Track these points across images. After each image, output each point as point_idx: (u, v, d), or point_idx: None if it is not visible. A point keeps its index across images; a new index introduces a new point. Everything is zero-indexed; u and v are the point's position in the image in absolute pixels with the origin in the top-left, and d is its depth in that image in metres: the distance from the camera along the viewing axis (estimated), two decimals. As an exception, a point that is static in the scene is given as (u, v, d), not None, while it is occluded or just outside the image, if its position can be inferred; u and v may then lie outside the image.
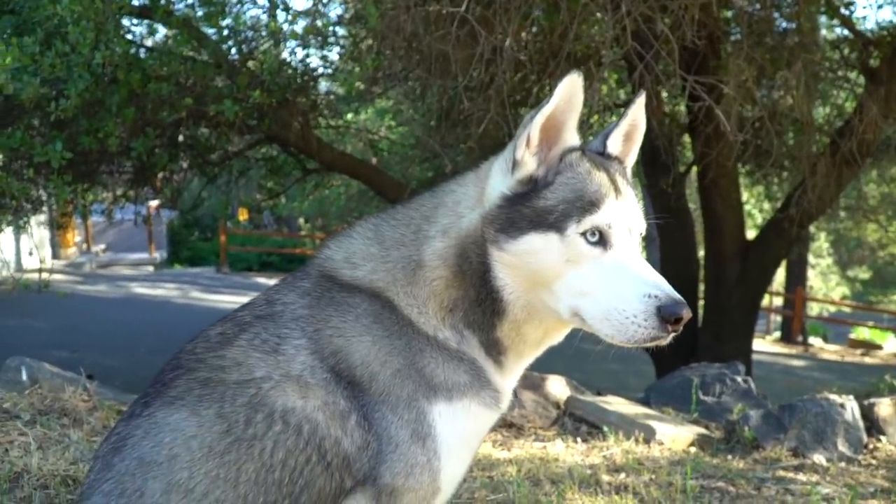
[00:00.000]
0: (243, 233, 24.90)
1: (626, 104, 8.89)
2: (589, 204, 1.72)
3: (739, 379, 5.30)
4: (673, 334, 1.68)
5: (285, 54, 8.31)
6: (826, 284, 31.21)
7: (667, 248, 9.68)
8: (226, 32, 7.63)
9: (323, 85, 9.75)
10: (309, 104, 8.51)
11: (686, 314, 1.65)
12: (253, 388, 1.62)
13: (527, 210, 1.72)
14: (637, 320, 1.65)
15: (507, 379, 1.86)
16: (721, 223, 8.93)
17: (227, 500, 1.57)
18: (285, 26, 7.77)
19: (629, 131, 1.92)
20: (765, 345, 18.20)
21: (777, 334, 21.16)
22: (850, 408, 4.70)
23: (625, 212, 1.76)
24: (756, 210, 17.49)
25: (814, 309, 23.15)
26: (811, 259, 25.26)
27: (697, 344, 8.91)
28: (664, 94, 8.51)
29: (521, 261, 1.72)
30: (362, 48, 7.98)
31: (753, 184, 11.76)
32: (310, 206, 20.65)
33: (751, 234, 9.79)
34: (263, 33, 8.22)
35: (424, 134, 9.09)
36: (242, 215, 23.54)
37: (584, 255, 1.70)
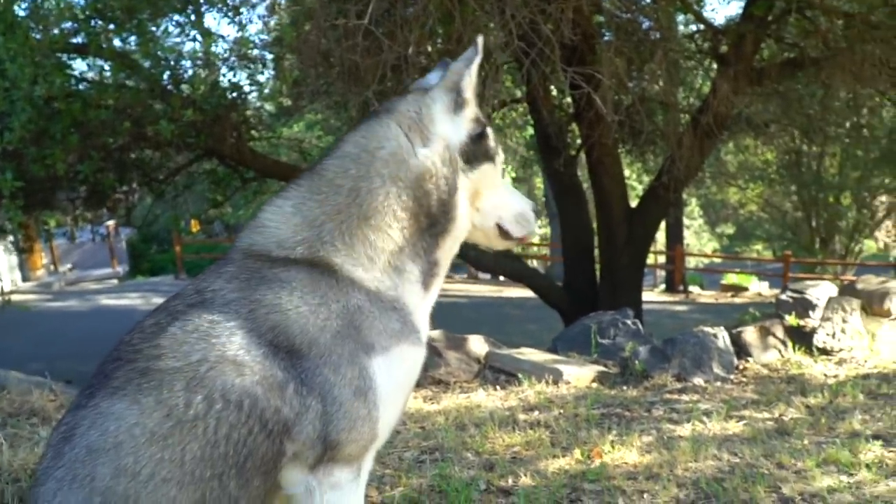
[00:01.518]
0: (196, 242, 24.29)
1: (519, 100, 8.88)
2: (497, 142, 1.85)
3: (630, 322, 5.38)
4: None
5: (216, 76, 8.09)
6: (699, 241, 32.19)
7: (566, 220, 9.78)
8: (158, 61, 7.37)
9: (253, 102, 9.53)
10: (240, 120, 8.32)
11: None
12: (190, 373, 1.51)
13: (483, 145, 1.78)
14: (531, 217, 1.88)
15: (429, 300, 1.79)
16: (608, 195, 9.06)
17: (174, 478, 1.47)
18: (213, 49, 7.57)
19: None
20: (653, 296, 18.66)
21: (663, 286, 21.71)
22: (722, 337, 4.82)
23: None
24: (637, 182, 17.86)
25: (691, 262, 23.79)
26: (685, 220, 25.99)
27: (597, 299, 9.05)
28: (551, 88, 8.57)
29: (476, 185, 1.78)
30: (284, 66, 7.82)
31: (632, 160, 11.98)
32: (253, 212, 20.25)
33: (634, 202, 9.95)
34: (195, 60, 7.98)
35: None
36: (195, 227, 22.88)
37: (500, 178, 1.86)
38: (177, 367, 1.52)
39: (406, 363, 1.67)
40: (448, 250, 1.78)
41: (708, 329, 4.88)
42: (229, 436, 1.50)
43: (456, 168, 1.72)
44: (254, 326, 1.55)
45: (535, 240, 26.98)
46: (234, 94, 8.04)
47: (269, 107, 9.63)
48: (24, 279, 20.63)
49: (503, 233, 1.84)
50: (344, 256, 1.64)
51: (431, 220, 1.70)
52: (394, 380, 1.64)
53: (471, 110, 1.74)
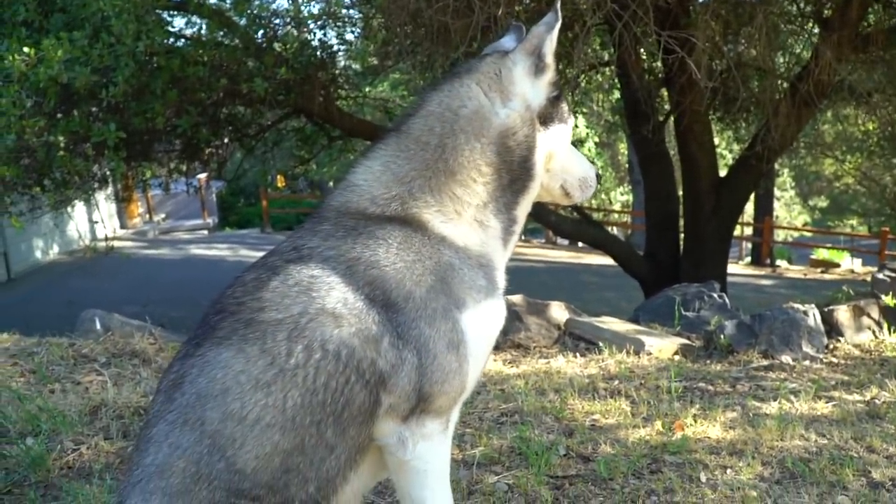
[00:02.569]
0: (282, 197, 24.90)
1: (608, 63, 8.67)
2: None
3: (715, 295, 5.25)
4: None
5: (306, 35, 8.19)
6: (790, 213, 30.85)
7: (650, 188, 9.55)
8: (252, 19, 7.51)
9: (341, 61, 9.61)
10: (329, 79, 8.39)
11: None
12: (291, 324, 1.57)
13: (560, 107, 1.80)
14: (594, 182, 1.90)
15: (507, 256, 1.84)
16: (696, 163, 8.78)
17: (277, 423, 1.54)
18: (304, 10, 7.64)
19: None
20: (738, 269, 18.13)
21: (748, 259, 21.02)
22: (813, 314, 4.65)
23: None
24: (727, 151, 17.22)
25: (780, 235, 22.95)
26: (776, 192, 24.93)
27: (679, 270, 8.85)
28: (642, 52, 8.31)
29: (553, 145, 1.80)
30: (373, 26, 7.83)
31: (723, 128, 11.52)
32: (338, 170, 20.53)
33: (723, 172, 9.61)
34: (286, 19, 8.08)
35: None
36: (280, 182, 23.44)
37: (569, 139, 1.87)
38: (279, 318, 1.58)
39: (492, 318, 1.71)
40: (525, 207, 1.80)
41: (798, 306, 4.71)
42: (327, 384, 1.56)
43: (535, 127, 1.74)
44: (352, 281, 1.60)
45: (617, 206, 26.52)
46: (324, 53, 8.12)
47: (355, 66, 9.67)
48: (122, 227, 21.67)
49: (566, 194, 1.87)
50: (434, 212, 1.68)
51: (512, 176, 1.74)
52: (482, 334, 1.68)
53: (550, 74, 1.74)
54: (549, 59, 1.73)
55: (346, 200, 1.73)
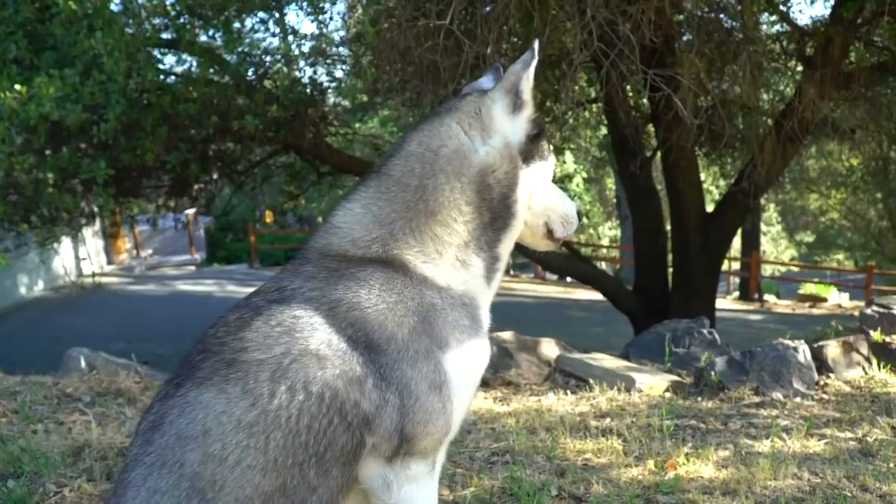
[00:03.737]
0: (271, 233, 24.88)
1: (595, 100, 8.77)
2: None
3: (705, 331, 5.25)
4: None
5: (296, 73, 8.27)
6: (776, 248, 31.11)
7: (639, 224, 9.62)
8: (243, 57, 7.59)
9: (331, 98, 9.70)
10: (319, 115, 8.47)
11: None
12: (274, 364, 1.56)
13: (540, 145, 1.81)
14: (574, 220, 1.89)
15: (491, 294, 1.85)
16: (684, 199, 8.86)
17: (258, 465, 1.52)
18: (294, 48, 7.73)
19: None
20: (726, 303, 18.19)
21: (737, 294, 21.11)
22: (803, 350, 4.65)
23: None
24: (713, 186, 17.39)
25: (767, 270, 23.10)
26: (763, 227, 25.17)
27: (669, 305, 8.87)
28: (629, 89, 8.43)
29: (533, 183, 1.80)
30: (363, 63, 7.92)
31: (710, 164, 11.68)
32: (327, 206, 20.56)
33: (710, 207, 9.70)
34: (277, 57, 8.17)
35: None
36: (269, 217, 23.46)
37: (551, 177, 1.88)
38: (262, 358, 1.57)
39: (476, 357, 1.72)
40: (508, 245, 1.81)
41: (787, 342, 4.71)
42: (310, 426, 1.55)
43: (517, 165, 1.76)
44: (334, 322, 1.60)
45: (605, 241, 26.64)
46: (314, 91, 8.20)
47: (345, 103, 9.77)
48: (109, 263, 21.54)
49: (549, 232, 1.86)
50: (416, 252, 1.70)
51: (493, 214, 1.75)
52: (466, 374, 1.68)
53: (528, 111, 1.76)
54: (527, 95, 1.75)
55: (328, 242, 1.75)
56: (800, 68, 8.33)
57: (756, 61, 7.23)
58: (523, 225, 1.83)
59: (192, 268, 23.27)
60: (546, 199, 1.84)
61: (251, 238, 22.79)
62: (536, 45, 1.77)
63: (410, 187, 1.73)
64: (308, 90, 8.00)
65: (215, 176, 9.89)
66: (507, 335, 4.88)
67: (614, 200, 25.11)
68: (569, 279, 18.80)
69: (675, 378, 4.69)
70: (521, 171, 1.76)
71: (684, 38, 7.83)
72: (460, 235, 1.73)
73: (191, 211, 17.34)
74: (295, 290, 1.66)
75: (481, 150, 1.74)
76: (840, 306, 18.21)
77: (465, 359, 1.68)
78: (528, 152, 1.77)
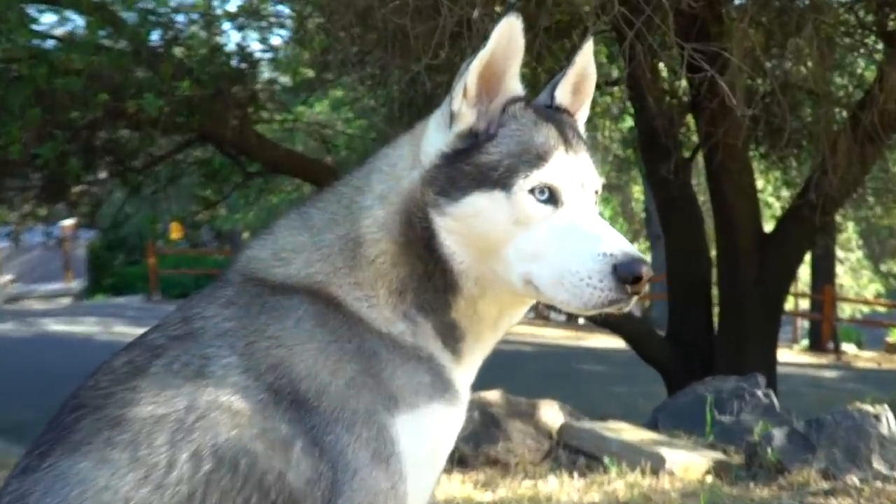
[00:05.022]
0: (177, 253, 24.71)
1: (617, 82, 8.90)
2: (536, 157, 1.78)
3: (760, 393, 5.33)
4: (634, 297, 1.73)
5: (217, 38, 8.32)
6: (857, 282, 31.48)
7: (673, 246, 9.72)
8: (145, 16, 7.60)
9: (264, 73, 9.74)
10: (247, 95, 8.49)
11: (646, 272, 1.70)
12: (174, 423, 1.59)
13: (468, 167, 1.77)
14: (592, 282, 1.70)
15: (465, 371, 1.87)
16: (734, 214, 8.97)
17: None
18: (216, 4, 7.79)
19: (577, 82, 1.98)
20: (791, 355, 18.35)
21: (805, 342, 21.33)
22: (886, 419, 4.73)
23: (576, 166, 1.83)
24: (773, 198, 17.61)
25: (845, 310, 23.34)
26: (839, 253, 25.46)
27: (713, 357, 8.95)
28: (661, 68, 8.57)
29: (466, 225, 1.76)
30: (308, 28, 7.99)
31: (768, 168, 11.84)
32: (255, 218, 20.50)
33: (769, 225, 9.85)
34: (192, 16, 8.22)
35: (387, 126, 9.08)
36: (175, 232, 23.31)
37: (533, 214, 1.76)
38: (158, 415, 1.59)
39: (439, 425, 1.76)
40: (467, 314, 1.83)
41: (867, 408, 4.80)
42: None
43: (426, 200, 1.79)
44: (252, 364, 1.65)
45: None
46: (241, 62, 8.24)
47: (284, 79, 9.82)
48: (-47, 291, 21.31)
49: (537, 291, 1.78)
50: (349, 286, 1.79)
51: (425, 265, 1.80)
52: (423, 445, 1.71)
53: (464, 123, 1.80)
54: (457, 103, 1.79)
55: (254, 257, 1.86)
56: (880, 46, 8.52)
57: (826, 35, 7.41)
58: (484, 287, 1.80)
59: (68, 300, 23.06)
60: (527, 245, 1.76)
61: (150, 260, 22.63)
62: (499, 29, 1.77)
63: (343, 204, 1.87)
64: (233, 61, 8.04)
65: (103, 174, 9.85)
66: (492, 395, 4.91)
67: (642, 215, 25.35)
68: (580, 320, 18.88)
69: (719, 456, 4.74)
70: (434, 209, 1.78)
71: (735, 1, 8.01)
72: (390, 279, 1.80)
73: (68, 222, 17.22)
74: (207, 321, 1.71)
75: (407, 176, 1.83)
76: (941, 360, 18.47)
77: (423, 425, 1.72)
78: (449, 179, 1.78)
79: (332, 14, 6.70)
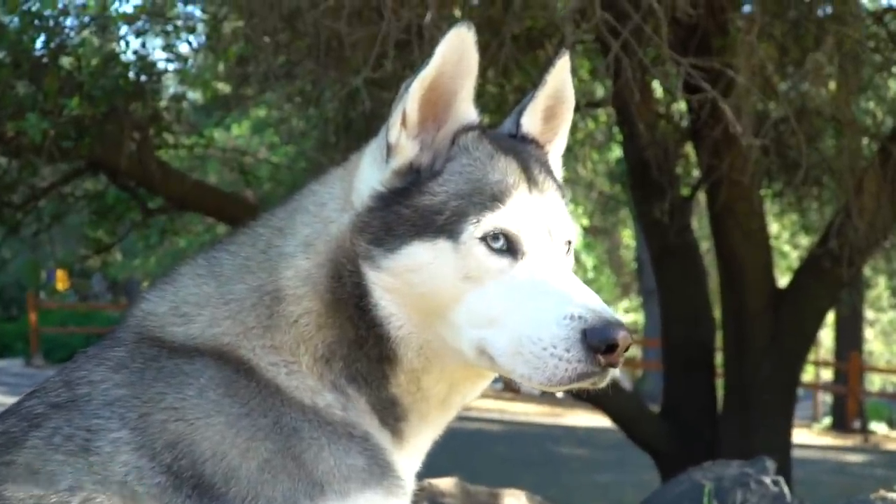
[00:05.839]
0: (63, 307, 24.47)
1: (601, 103, 8.96)
2: (490, 198, 1.77)
3: (768, 480, 5.31)
4: (610, 369, 1.70)
5: (113, 46, 8.28)
6: (890, 348, 31.88)
7: (670, 303, 9.75)
8: (29, 20, 7.56)
9: (170, 87, 9.71)
10: (148, 115, 8.44)
11: (622, 338, 1.66)
12: None
13: (406, 211, 1.76)
14: (556, 351, 1.66)
15: (410, 456, 1.86)
16: (741, 265, 9.03)
17: None
18: (112, 5, 7.76)
19: (551, 106, 1.98)
20: (810, 436, 18.50)
21: (827, 420, 21.48)
22: (921, 511, 4.74)
23: (542, 209, 1.82)
24: (789, 246, 17.84)
25: (875, 383, 23.60)
26: (868, 313, 25.78)
27: (716, 439, 8.95)
28: (653, 87, 8.65)
29: (405, 282, 1.75)
30: (224, 33, 7.98)
31: (783, 210, 11.98)
32: (157, 265, 20.38)
33: (784, 279, 9.93)
34: (83, 19, 8.19)
35: (319, 153, 9.06)
36: (61, 282, 23.16)
37: (486, 267, 1.74)
38: (37, 495, 1.59)
39: None
40: (409, 390, 1.82)
41: (893, 495, 4.80)
42: None
43: (356, 251, 1.79)
44: (146, 441, 1.64)
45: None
46: (142, 74, 8.21)
47: (194, 95, 9.80)
48: None
49: (496, 366, 1.77)
50: (264, 349, 1.78)
51: (356, 329, 1.79)
52: None
53: (402, 158, 1.81)
54: (394, 133, 1.80)
55: (151, 317, 1.83)
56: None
57: (850, 51, 7.53)
58: (429, 358, 1.79)
59: (-74, 364, 22.72)
60: (478, 305, 1.74)
61: (31, 315, 22.40)
62: (443, 47, 1.77)
63: (258, 248, 1.88)
64: (132, 73, 8.00)
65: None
66: (445, 484, 4.85)
67: (633, 265, 25.54)
68: (558, 394, 18.89)
69: (722, 557, 4.70)
70: (367, 263, 1.77)
71: (742, 8, 8.12)
72: (313, 344, 1.80)
73: (-72, 268, 16.98)
74: (94, 386, 1.71)
75: (337, 219, 1.84)
76: None
77: None
78: (384, 226, 1.77)
79: (253, 16, 6.69)
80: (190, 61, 8.75)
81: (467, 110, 1.84)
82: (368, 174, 1.82)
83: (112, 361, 1.76)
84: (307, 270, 1.80)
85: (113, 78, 7.50)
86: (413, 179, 1.78)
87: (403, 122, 1.78)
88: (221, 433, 1.67)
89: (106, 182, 9.79)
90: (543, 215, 1.81)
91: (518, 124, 1.96)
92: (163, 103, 9.10)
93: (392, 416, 1.81)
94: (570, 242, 1.87)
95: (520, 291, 1.72)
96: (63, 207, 10.29)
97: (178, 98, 9.65)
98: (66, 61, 7.92)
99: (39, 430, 1.67)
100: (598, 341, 1.64)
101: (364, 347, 1.78)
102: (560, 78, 1.95)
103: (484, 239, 1.73)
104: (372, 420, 1.80)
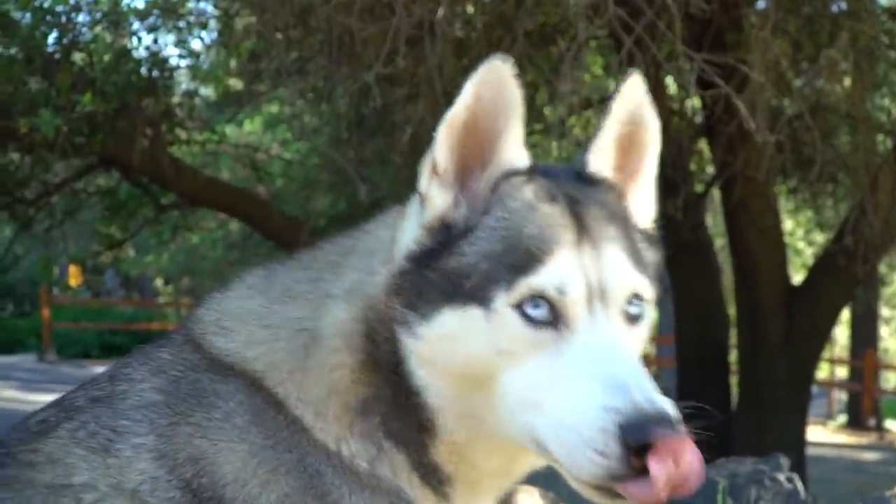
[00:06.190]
0: (76, 303, 24.51)
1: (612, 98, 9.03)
2: (526, 257, 1.54)
3: (782, 477, 5.29)
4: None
5: (125, 42, 8.30)
6: (906, 346, 31.77)
7: (683, 300, 9.75)
8: (41, 17, 7.59)
9: (182, 83, 9.72)
10: (161, 111, 8.46)
11: (658, 439, 1.40)
12: (69, 499, 1.58)
13: (433, 275, 1.58)
14: (592, 444, 1.43)
15: None
16: (755, 262, 9.02)
17: None
18: (124, 2, 7.78)
19: (626, 133, 1.73)
20: (825, 434, 18.43)
21: (842, 418, 21.41)
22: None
23: (594, 268, 1.56)
24: (804, 243, 17.79)
25: (890, 380, 23.49)
26: (883, 311, 25.67)
27: (731, 436, 8.93)
28: (666, 84, 8.64)
29: (440, 351, 1.57)
30: (237, 29, 7.98)
31: (798, 207, 11.96)
32: (170, 261, 20.40)
33: (798, 276, 9.90)
34: (95, 15, 8.21)
35: (332, 148, 9.07)
36: (74, 278, 23.16)
37: (522, 341, 1.52)
38: (56, 485, 1.58)
39: None
40: (451, 460, 1.65)
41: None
42: None
43: (391, 315, 1.62)
44: (169, 450, 1.60)
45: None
46: (154, 70, 8.22)
47: (206, 92, 9.81)
48: None
49: (548, 454, 1.53)
50: (292, 387, 1.66)
51: (394, 391, 1.64)
52: None
53: (433, 211, 1.61)
54: (423, 184, 1.62)
55: (199, 323, 1.77)
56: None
57: (865, 47, 7.51)
58: (475, 434, 1.61)
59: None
60: (522, 386, 1.52)
61: (44, 311, 22.42)
62: (480, 78, 1.57)
63: (313, 282, 1.75)
64: (144, 69, 8.01)
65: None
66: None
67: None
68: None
69: (734, 556, 4.69)
70: (397, 327, 1.60)
71: (756, 4, 8.11)
72: (346, 399, 1.65)
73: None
74: (132, 385, 1.67)
75: (378, 273, 1.66)
76: None
77: None
78: (418, 290, 1.58)
79: (265, 12, 6.70)
80: (202, 57, 8.77)
81: (514, 153, 1.62)
82: (409, 226, 1.64)
83: (155, 363, 1.71)
84: (344, 322, 1.66)
85: (125, 74, 7.52)
86: (443, 238, 1.59)
87: (434, 170, 1.60)
88: (244, 460, 1.60)
89: (118, 178, 9.84)
90: (595, 274, 1.55)
91: (584, 161, 1.70)
92: (175, 99, 9.12)
93: (435, 479, 1.66)
94: (636, 302, 1.60)
95: (561, 371, 1.49)
96: (76, 203, 10.33)
97: (190, 94, 9.66)
98: (78, 57, 7.95)
99: (70, 422, 1.65)
100: (633, 440, 1.40)
101: (403, 412, 1.63)
102: (632, 99, 1.70)
103: (519, 306, 1.51)
104: (411, 477, 1.66)
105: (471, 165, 1.62)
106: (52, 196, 9.87)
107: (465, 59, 7.12)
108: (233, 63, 8.17)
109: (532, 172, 1.63)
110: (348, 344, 1.65)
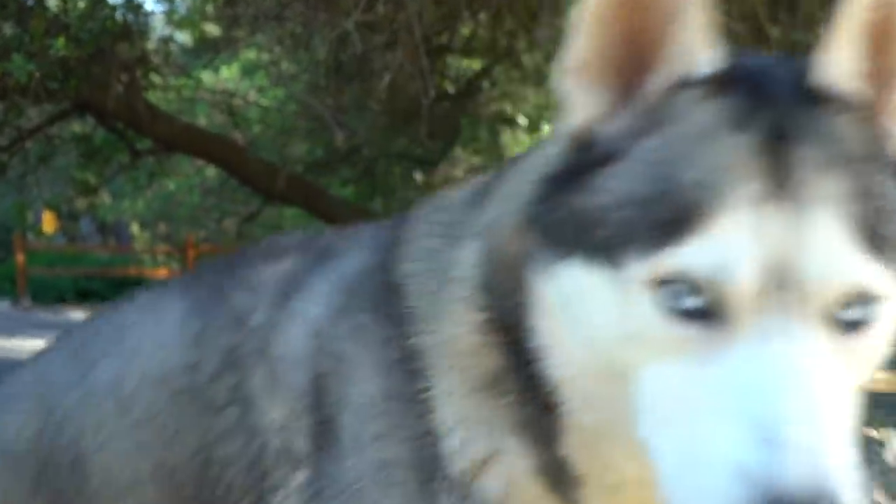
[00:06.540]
0: (51, 249, 24.41)
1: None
2: (676, 212, 1.07)
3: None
4: None
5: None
6: None
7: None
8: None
9: (157, 29, 9.65)
10: (136, 56, 8.41)
11: None
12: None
13: (564, 210, 1.18)
14: (710, 486, 1.03)
15: None
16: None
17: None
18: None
19: (881, 20, 1.14)
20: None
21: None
22: (893, 446, 4.80)
23: (789, 241, 1.05)
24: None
25: None
26: None
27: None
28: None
29: (563, 308, 1.19)
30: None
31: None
32: (147, 207, 20.32)
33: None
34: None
35: (310, 96, 9.06)
36: (49, 224, 23.04)
37: (659, 332, 1.10)
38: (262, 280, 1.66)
39: None
40: (584, 453, 1.30)
41: (872, 433, 4.86)
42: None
43: (522, 250, 1.27)
44: (315, 343, 1.53)
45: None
46: (129, 15, 8.17)
47: (183, 37, 9.74)
48: None
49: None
50: (429, 338, 1.40)
51: (517, 359, 1.30)
52: None
53: (573, 119, 1.22)
54: (565, 85, 1.23)
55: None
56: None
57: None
58: (602, 416, 1.23)
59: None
60: (655, 387, 1.12)
61: (18, 257, 22.32)
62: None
63: (462, 215, 1.46)
64: (119, 15, 7.95)
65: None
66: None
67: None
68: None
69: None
70: (522, 266, 1.25)
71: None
72: (472, 363, 1.36)
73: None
74: (345, 250, 1.62)
75: (512, 202, 1.35)
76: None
77: None
78: (548, 226, 1.21)
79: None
80: (178, 2, 8.71)
81: (697, 49, 1.13)
82: (553, 143, 1.28)
83: (351, 241, 1.68)
84: (473, 265, 1.35)
85: (100, 20, 7.46)
86: (583, 158, 1.18)
87: (576, 66, 1.19)
88: (373, 399, 1.41)
89: (93, 124, 9.79)
90: (786, 253, 1.05)
91: (807, 69, 1.15)
92: (151, 45, 9.08)
93: (563, 483, 1.31)
94: (859, 302, 1.09)
95: (702, 389, 1.07)
96: (50, 149, 10.27)
97: (166, 40, 9.61)
98: (52, 3, 7.89)
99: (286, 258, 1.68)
100: (773, 497, 0.97)
101: (530, 390, 1.28)
102: None
103: (662, 284, 1.08)
104: (533, 483, 1.33)
105: (632, 61, 1.17)
106: (25, 142, 9.80)
107: (445, 7, 7.11)
108: (209, 8, 8.11)
109: (723, 81, 1.13)
110: (472, 291, 1.34)
